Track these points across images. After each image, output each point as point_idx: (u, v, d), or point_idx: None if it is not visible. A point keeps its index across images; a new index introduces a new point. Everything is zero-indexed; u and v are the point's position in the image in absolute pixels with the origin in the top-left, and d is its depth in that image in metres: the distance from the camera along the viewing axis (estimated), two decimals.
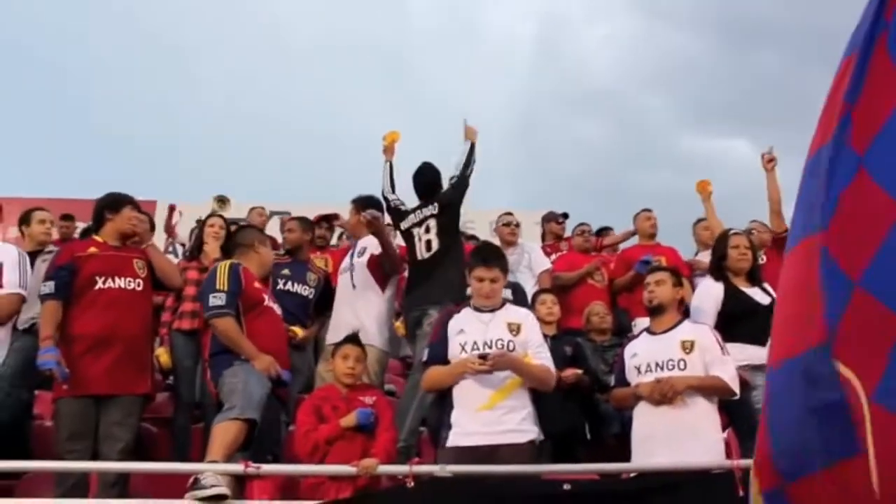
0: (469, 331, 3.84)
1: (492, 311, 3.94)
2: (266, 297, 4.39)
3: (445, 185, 5.42)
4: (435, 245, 5.15)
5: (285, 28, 37.84)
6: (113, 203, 4.52)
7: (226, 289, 4.16)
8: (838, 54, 2.06)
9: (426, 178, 5.50)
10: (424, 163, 5.59)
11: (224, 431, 3.75)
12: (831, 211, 1.88)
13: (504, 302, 4.08)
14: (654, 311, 4.37)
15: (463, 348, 3.79)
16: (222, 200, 6.70)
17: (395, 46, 39.82)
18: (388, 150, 5.82)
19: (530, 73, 41.15)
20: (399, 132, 5.88)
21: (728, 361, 4.05)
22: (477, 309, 3.94)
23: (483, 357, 3.61)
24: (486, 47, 40.02)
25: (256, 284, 4.36)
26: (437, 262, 5.11)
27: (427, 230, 5.21)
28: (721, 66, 39.18)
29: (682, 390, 3.90)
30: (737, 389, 3.99)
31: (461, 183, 5.36)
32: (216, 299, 4.14)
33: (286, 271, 5.39)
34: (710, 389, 3.99)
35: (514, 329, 3.86)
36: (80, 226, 6.87)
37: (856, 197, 1.85)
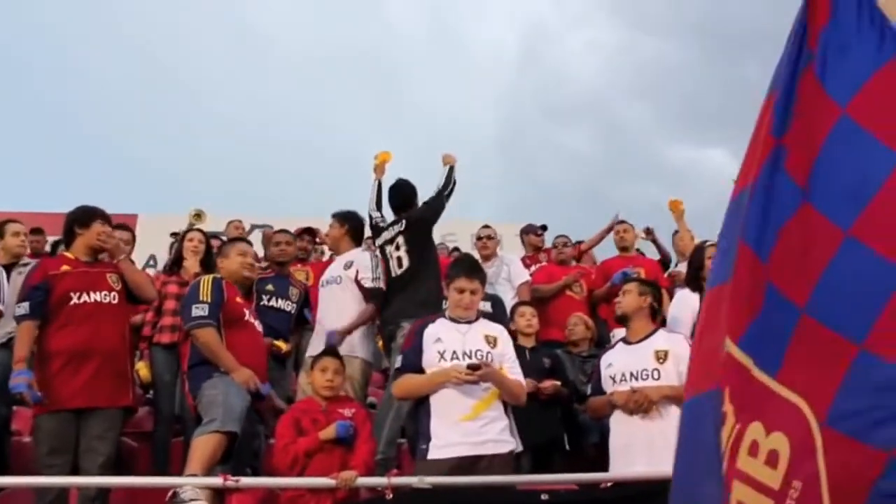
0: (447, 340, 3.85)
1: (468, 322, 3.96)
2: (247, 312, 4.40)
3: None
4: (405, 262, 5.24)
5: (266, 37, 37.73)
6: (83, 217, 4.51)
7: (209, 300, 4.17)
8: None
9: (399, 193, 5.60)
10: (399, 179, 5.68)
11: (203, 444, 3.74)
12: (772, 243, 1.89)
13: (478, 315, 4.11)
14: (620, 320, 4.44)
15: (441, 356, 3.80)
16: (198, 215, 6.69)
17: (377, 56, 39.81)
18: (378, 170, 5.93)
19: (513, 83, 41.31)
20: (391, 153, 5.97)
21: None
22: (453, 319, 3.96)
23: (473, 367, 3.62)
24: (468, 57, 40.14)
25: (238, 299, 4.37)
26: (410, 278, 5.19)
27: (397, 247, 5.31)
28: (704, 75, 39.46)
29: (657, 400, 3.94)
30: None
31: (435, 202, 5.43)
32: (198, 310, 4.15)
33: (270, 286, 5.44)
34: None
35: (492, 341, 3.90)
36: (51, 239, 6.84)
37: (800, 225, 1.86)
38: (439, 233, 5.62)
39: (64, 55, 32.79)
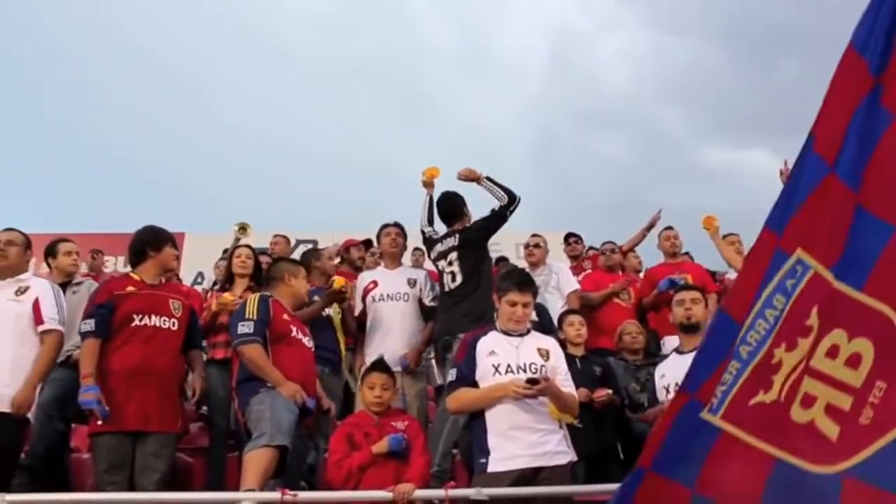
0: (500, 353, 3.81)
1: (520, 335, 3.94)
2: (294, 329, 4.41)
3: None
4: (459, 277, 5.26)
5: (295, 51, 38.11)
6: (155, 240, 4.61)
7: (254, 317, 4.22)
8: None
9: (448, 203, 5.66)
10: (446, 191, 5.72)
11: (256, 459, 3.77)
12: (865, 166, 2.19)
13: (529, 326, 4.08)
14: (689, 328, 4.39)
15: (496, 370, 3.76)
16: (244, 228, 6.76)
17: (407, 68, 39.98)
18: (429, 185, 6.00)
19: (544, 91, 41.09)
20: (439, 168, 6.00)
21: None
22: (505, 332, 3.93)
23: (532, 382, 3.58)
24: (498, 66, 40.06)
25: (285, 317, 4.39)
26: (463, 292, 5.20)
27: (450, 263, 5.34)
28: (739, 76, 38.90)
29: None
30: None
31: (495, 217, 5.39)
32: (244, 327, 4.21)
33: None
34: None
35: (545, 354, 3.86)
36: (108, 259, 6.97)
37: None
38: None
39: (101, 82, 33.51)
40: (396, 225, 5.99)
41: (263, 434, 3.83)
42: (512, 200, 5.32)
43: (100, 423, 4.09)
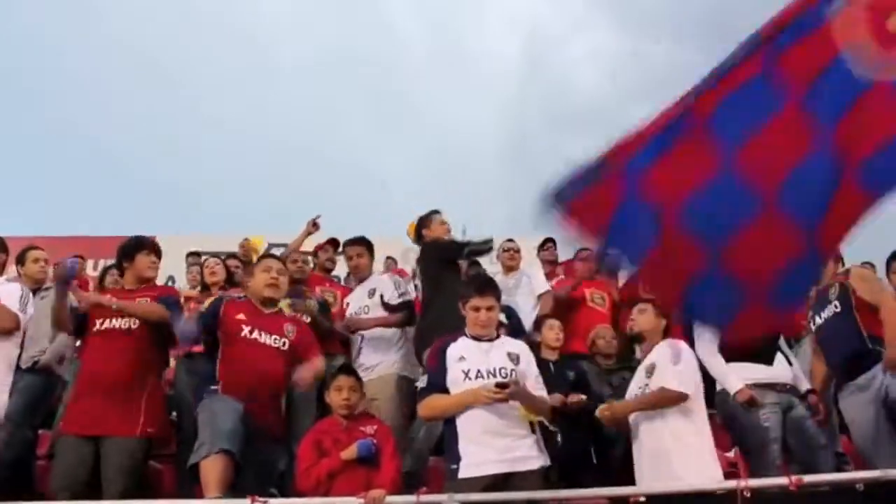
0: (470, 358, 3.80)
1: (490, 340, 3.93)
2: (248, 328, 4.30)
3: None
4: (421, 288, 5.39)
5: (271, 46, 37.90)
6: (126, 251, 4.72)
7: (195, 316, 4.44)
8: None
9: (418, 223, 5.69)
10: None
11: (210, 469, 3.74)
12: None
13: (499, 331, 4.07)
14: (634, 339, 4.55)
15: (466, 375, 3.75)
16: (248, 246, 6.56)
17: (381, 67, 39.94)
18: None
19: (518, 93, 41.25)
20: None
21: (672, 371, 4.06)
22: (475, 338, 3.92)
23: (502, 386, 3.58)
24: (471, 66, 40.11)
25: (239, 316, 4.32)
26: (426, 305, 5.22)
27: (415, 276, 5.50)
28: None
29: (622, 413, 4.21)
30: (685, 390, 4.00)
31: (452, 247, 5.34)
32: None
33: None
34: (658, 402, 4.05)
35: (514, 359, 3.85)
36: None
37: None
38: None
39: (90, 82, 33.16)
40: (359, 242, 5.88)
41: (204, 443, 3.81)
42: (479, 248, 5.33)
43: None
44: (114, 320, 4.41)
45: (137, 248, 4.67)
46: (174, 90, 33.62)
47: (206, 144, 35.62)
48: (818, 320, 4.62)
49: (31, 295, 4.66)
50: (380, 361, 5.32)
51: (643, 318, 4.42)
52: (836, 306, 4.48)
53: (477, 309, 3.90)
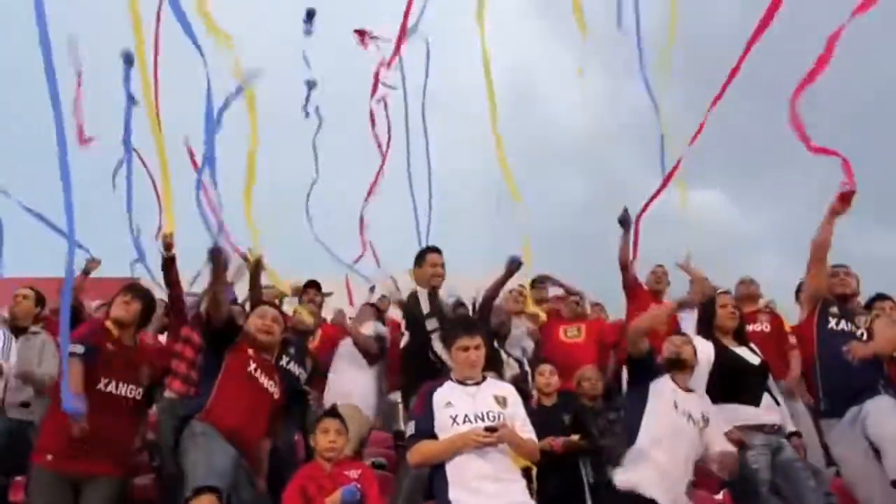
0: (457, 404, 3.75)
1: (476, 383, 3.87)
2: (254, 367, 4.33)
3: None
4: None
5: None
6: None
7: None
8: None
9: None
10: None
11: None
12: None
13: (484, 375, 4.00)
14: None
15: (454, 421, 3.69)
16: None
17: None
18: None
19: (503, 133, 41.40)
20: None
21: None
22: (461, 382, 3.87)
23: (491, 430, 3.54)
24: (453, 104, 40.27)
25: (249, 352, 4.36)
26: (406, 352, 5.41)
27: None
28: (692, 118, 39.68)
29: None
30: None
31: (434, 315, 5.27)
32: None
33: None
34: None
35: (501, 401, 3.80)
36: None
37: None
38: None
39: None
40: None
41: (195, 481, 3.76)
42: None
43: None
44: (120, 385, 4.27)
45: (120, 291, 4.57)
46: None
47: None
48: (836, 326, 4.70)
49: (13, 339, 4.60)
50: None
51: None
52: (864, 334, 4.57)
53: (465, 349, 3.85)
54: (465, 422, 3.67)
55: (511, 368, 5.69)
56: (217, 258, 4.31)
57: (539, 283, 7.56)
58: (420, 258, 5.44)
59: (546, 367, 5.35)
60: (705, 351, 4.65)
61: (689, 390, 4.28)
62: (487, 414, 3.70)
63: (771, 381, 4.72)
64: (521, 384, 5.12)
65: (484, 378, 3.95)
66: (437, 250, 5.53)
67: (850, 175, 4.42)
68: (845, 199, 4.53)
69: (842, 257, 5.08)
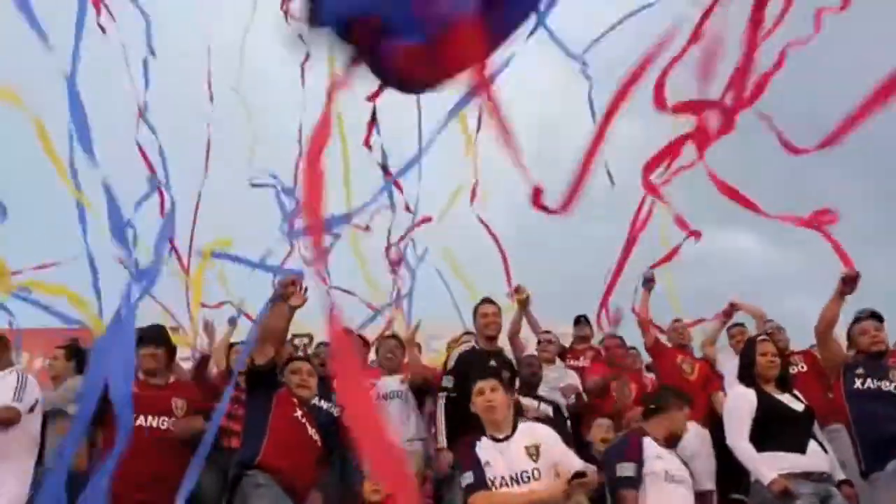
0: (494, 464, 3.74)
1: (506, 438, 3.85)
2: (300, 413, 4.43)
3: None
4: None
5: None
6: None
7: None
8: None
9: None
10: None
11: None
12: None
13: (514, 425, 3.96)
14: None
15: (493, 483, 3.68)
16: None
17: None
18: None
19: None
20: None
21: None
22: (493, 438, 3.86)
23: (579, 475, 3.64)
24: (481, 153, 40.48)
25: (294, 399, 4.47)
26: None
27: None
28: (721, 157, 39.53)
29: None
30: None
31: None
32: None
33: None
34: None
35: (534, 454, 3.77)
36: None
37: None
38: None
39: None
40: (392, 337, 6.51)
41: None
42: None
43: None
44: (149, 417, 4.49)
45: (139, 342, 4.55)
46: None
47: None
48: (862, 386, 4.70)
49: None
50: None
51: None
52: None
53: (482, 392, 3.90)
54: (502, 485, 3.68)
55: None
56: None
57: (582, 321, 7.61)
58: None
59: (604, 422, 5.54)
60: (747, 398, 4.64)
61: None
62: (522, 475, 3.70)
63: (817, 428, 4.67)
64: None
65: (514, 429, 3.92)
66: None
67: (844, 258, 4.50)
68: (849, 282, 4.72)
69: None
